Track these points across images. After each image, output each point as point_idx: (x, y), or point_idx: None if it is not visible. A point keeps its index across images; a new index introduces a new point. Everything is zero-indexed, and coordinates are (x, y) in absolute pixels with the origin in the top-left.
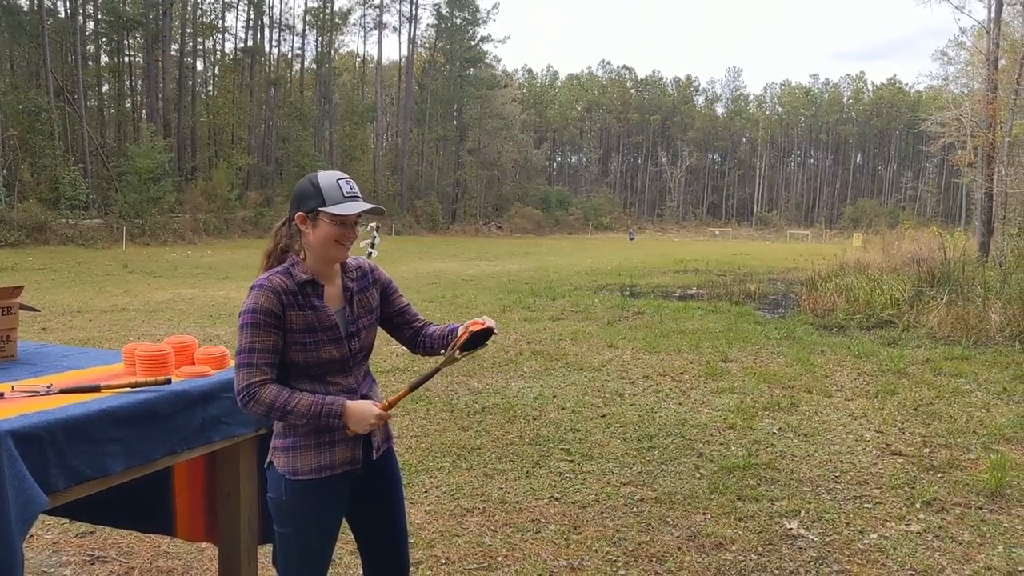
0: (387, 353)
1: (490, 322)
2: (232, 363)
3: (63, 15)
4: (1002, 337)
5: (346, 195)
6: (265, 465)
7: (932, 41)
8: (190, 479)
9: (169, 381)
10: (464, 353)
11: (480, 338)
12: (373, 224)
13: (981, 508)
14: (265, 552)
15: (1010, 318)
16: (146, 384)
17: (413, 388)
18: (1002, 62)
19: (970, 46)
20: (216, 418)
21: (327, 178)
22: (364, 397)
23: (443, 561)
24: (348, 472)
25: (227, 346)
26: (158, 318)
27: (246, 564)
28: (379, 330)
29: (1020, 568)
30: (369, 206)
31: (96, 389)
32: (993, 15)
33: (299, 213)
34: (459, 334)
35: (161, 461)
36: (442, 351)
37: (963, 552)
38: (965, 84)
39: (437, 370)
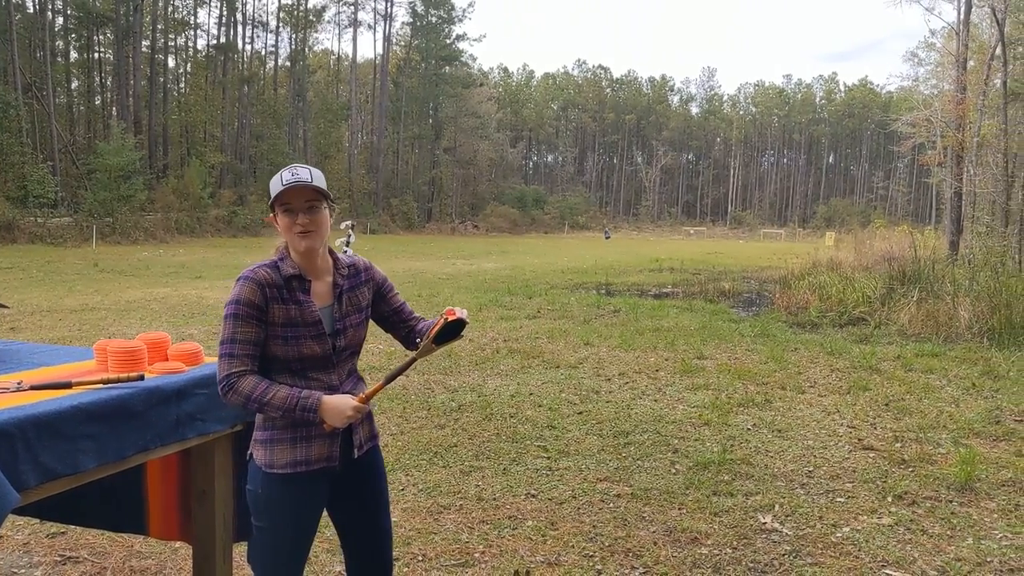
0: (363, 352)
1: (461, 312)
2: (205, 359)
3: (31, 10)
4: (971, 334)
5: (285, 182)
6: (247, 457)
7: (903, 43)
8: (163, 477)
9: (142, 377)
10: (438, 345)
11: (453, 330)
12: (348, 223)
13: (951, 501)
14: (240, 551)
15: (978, 315)
16: (118, 380)
17: (389, 380)
18: (971, 63)
19: (940, 47)
20: (190, 415)
21: (276, 175)
22: (346, 395)
23: (420, 558)
24: (325, 469)
25: (201, 345)
26: (130, 317)
27: (221, 563)
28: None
29: (989, 559)
30: (293, 183)
31: (68, 386)
32: (962, 17)
33: (271, 216)
34: (434, 324)
35: (134, 458)
36: (418, 340)
37: (934, 544)
38: (935, 85)
39: (413, 360)
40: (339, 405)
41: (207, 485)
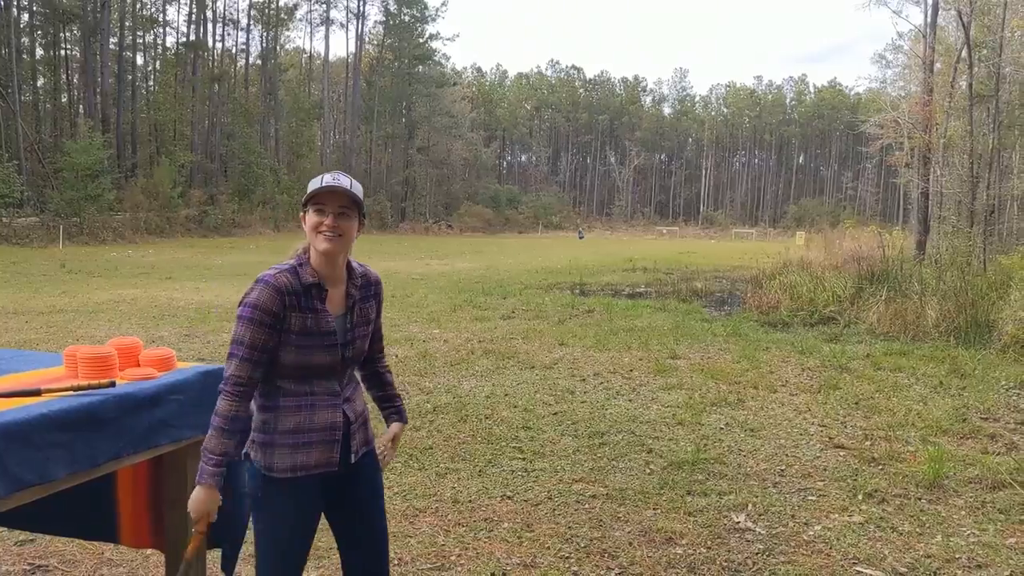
0: None
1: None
2: (178, 364)
3: None
4: (938, 332)
5: (324, 183)
6: (242, 455)
7: (871, 45)
8: (135, 483)
9: (113, 384)
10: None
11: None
12: None
13: (920, 499)
14: (213, 558)
15: (945, 314)
16: (89, 387)
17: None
18: (937, 66)
19: (907, 50)
20: (163, 421)
21: (317, 177)
22: (347, 400)
23: (396, 562)
24: (324, 473)
25: (172, 348)
26: (98, 319)
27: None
28: None
29: (957, 556)
30: (333, 185)
31: (37, 393)
32: (929, 20)
33: (302, 214)
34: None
35: (106, 466)
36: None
37: (903, 541)
38: (902, 87)
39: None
40: (202, 500)
41: (179, 493)
